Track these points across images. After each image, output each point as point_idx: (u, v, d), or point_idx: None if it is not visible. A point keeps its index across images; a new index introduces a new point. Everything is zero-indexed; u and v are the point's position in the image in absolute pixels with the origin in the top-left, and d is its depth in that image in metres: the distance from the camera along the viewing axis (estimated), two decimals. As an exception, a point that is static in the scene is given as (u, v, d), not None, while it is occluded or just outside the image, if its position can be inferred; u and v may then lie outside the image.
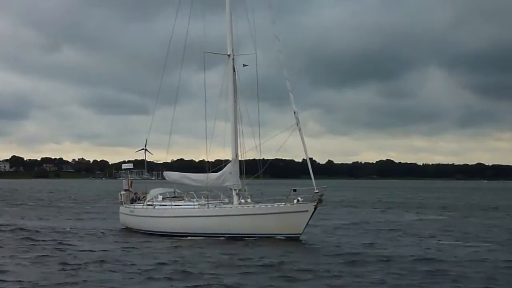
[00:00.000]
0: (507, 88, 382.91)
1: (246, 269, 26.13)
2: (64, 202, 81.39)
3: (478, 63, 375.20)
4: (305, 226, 35.51)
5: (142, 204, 41.71)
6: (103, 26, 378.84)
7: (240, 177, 39.59)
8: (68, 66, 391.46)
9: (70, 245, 33.37)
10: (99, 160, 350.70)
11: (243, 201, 38.41)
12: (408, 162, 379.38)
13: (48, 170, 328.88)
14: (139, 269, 25.72)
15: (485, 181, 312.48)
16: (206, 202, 38.70)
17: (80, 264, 26.74)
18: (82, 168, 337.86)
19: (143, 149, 45.04)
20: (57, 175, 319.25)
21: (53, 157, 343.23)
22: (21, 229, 41.12)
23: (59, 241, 34.78)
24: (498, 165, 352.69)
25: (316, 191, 35.17)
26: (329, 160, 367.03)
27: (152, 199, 41.36)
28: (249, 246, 33.17)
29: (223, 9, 39.88)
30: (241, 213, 36.80)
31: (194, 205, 38.87)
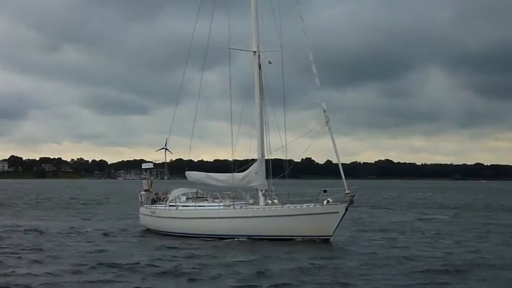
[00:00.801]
0: (508, 88, 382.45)
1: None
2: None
3: (479, 63, 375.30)
4: (336, 228, 34.50)
5: (164, 205, 40.63)
6: (104, 26, 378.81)
7: (266, 177, 38.49)
8: (68, 66, 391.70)
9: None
10: (98, 160, 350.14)
11: (269, 202, 37.37)
12: (407, 162, 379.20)
13: (46, 170, 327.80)
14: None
15: (484, 181, 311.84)
16: (231, 203, 37.66)
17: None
18: (81, 168, 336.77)
19: (163, 148, 43.90)
20: (56, 175, 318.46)
21: (51, 157, 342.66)
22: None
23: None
24: (497, 165, 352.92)
25: (347, 191, 34.20)
26: (328, 160, 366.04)
27: (174, 199, 40.30)
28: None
29: (243, 6, 38.95)
30: (269, 214, 35.79)
31: (219, 206, 37.79)
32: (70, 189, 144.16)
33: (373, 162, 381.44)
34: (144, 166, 44.12)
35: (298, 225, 34.74)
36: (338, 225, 34.45)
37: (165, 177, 43.91)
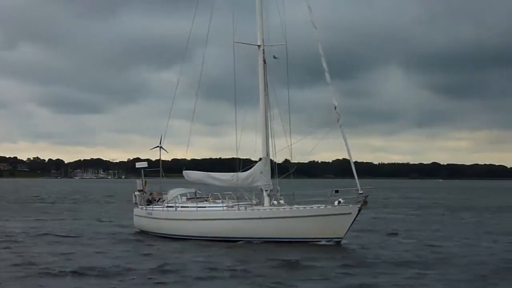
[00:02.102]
0: (464, 88, 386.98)
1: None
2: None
3: (436, 62, 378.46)
4: (348, 230, 33.09)
5: (161, 206, 38.77)
6: (61, 24, 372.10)
7: (271, 177, 36.95)
8: (24, 64, 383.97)
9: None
10: (54, 159, 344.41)
11: (275, 202, 35.78)
12: (365, 161, 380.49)
13: (2, 169, 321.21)
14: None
15: (440, 180, 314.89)
16: (235, 203, 36.02)
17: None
18: (37, 167, 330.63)
19: (158, 146, 41.92)
20: (12, 174, 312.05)
21: (7, 156, 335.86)
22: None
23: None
24: (453, 164, 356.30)
25: (361, 191, 32.81)
26: (286, 159, 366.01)
27: (172, 200, 38.46)
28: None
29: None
30: (276, 216, 34.20)
31: (222, 206, 36.07)
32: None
33: (330, 161, 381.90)
34: (138, 165, 41.99)
35: (308, 227, 33.28)
36: (350, 227, 33.03)
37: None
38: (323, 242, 33.01)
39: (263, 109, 36.84)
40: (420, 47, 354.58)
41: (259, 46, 37.04)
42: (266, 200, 36.34)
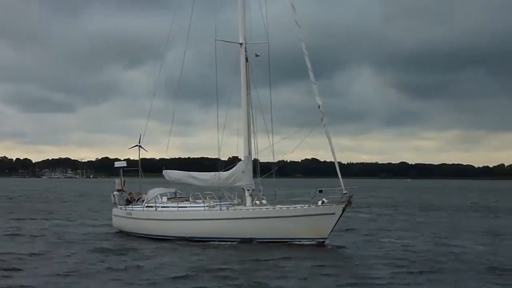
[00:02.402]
0: (433, 88, 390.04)
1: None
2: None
3: (405, 62, 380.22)
4: (331, 230, 32.81)
5: (141, 206, 38.14)
6: (30, 21, 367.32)
7: (253, 176, 36.56)
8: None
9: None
10: (22, 158, 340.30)
11: (258, 202, 35.37)
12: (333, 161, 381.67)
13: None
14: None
15: (408, 179, 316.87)
16: (216, 203, 35.56)
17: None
18: (4, 167, 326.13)
19: (137, 145, 41.22)
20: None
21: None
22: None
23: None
24: (421, 164, 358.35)
25: (345, 191, 32.56)
26: (255, 159, 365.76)
27: (151, 200, 37.86)
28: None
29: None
30: (259, 216, 33.82)
31: (203, 207, 35.56)
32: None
33: (299, 161, 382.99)
34: (116, 164, 41.23)
35: (291, 227, 32.97)
36: (334, 227, 32.77)
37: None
38: (306, 242, 32.65)
39: (245, 108, 36.40)
40: (390, 47, 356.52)
41: (241, 44, 36.59)
42: (248, 200, 35.97)
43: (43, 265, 26.36)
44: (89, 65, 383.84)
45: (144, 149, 41.14)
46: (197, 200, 37.17)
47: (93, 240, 35.57)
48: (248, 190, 36.14)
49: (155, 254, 30.26)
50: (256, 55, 36.39)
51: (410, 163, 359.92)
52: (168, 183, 40.05)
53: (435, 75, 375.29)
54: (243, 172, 36.30)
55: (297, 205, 33.61)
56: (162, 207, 36.89)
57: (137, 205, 38.66)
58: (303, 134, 35.56)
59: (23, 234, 37.73)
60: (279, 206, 34.08)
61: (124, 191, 40.51)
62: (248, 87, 36.45)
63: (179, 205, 36.26)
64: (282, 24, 36.42)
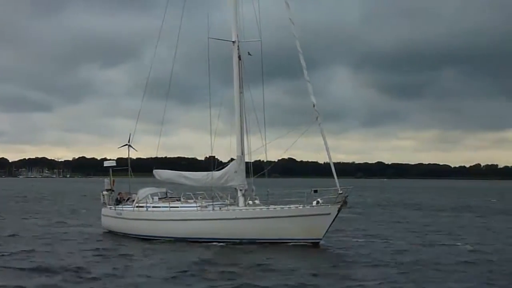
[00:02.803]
0: (410, 88, 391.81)
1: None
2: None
3: (383, 62, 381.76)
4: (327, 231, 32.47)
5: (131, 206, 37.56)
6: (6, 21, 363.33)
7: (246, 176, 36.13)
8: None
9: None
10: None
11: (250, 202, 34.94)
12: (310, 160, 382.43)
13: None
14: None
15: (385, 179, 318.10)
16: (208, 203, 35.10)
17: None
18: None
19: (126, 144, 40.58)
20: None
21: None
22: None
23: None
24: (398, 163, 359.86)
25: (340, 191, 32.23)
26: (232, 159, 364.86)
27: (142, 200, 37.29)
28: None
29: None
30: (253, 216, 33.40)
31: (196, 206, 35.05)
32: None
33: (276, 160, 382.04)
34: (106, 164, 40.55)
35: (285, 227, 32.55)
36: (329, 227, 32.43)
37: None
38: (301, 243, 32.28)
39: (238, 107, 35.96)
40: (368, 47, 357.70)
41: (233, 42, 36.12)
42: (241, 200, 35.50)
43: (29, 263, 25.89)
44: (66, 64, 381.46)
45: (134, 149, 40.65)
46: (188, 200, 36.67)
47: (81, 240, 35.08)
48: (241, 190, 35.67)
49: (145, 254, 29.91)
50: (249, 54, 35.93)
51: (386, 163, 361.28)
52: (159, 183, 39.46)
53: (413, 75, 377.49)
54: (235, 172, 35.86)
55: (292, 206, 33.19)
56: (153, 207, 36.31)
57: (127, 205, 38.07)
58: (297, 134, 35.17)
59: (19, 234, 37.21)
60: (273, 206, 33.66)
61: (113, 190, 39.84)
62: (241, 86, 35.98)
63: (170, 205, 35.68)
64: (272, 22, 35.83)
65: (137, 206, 37.04)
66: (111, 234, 38.06)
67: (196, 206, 35.02)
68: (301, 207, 32.69)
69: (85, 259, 27.65)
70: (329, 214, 31.99)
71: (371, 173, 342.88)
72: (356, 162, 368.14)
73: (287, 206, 33.24)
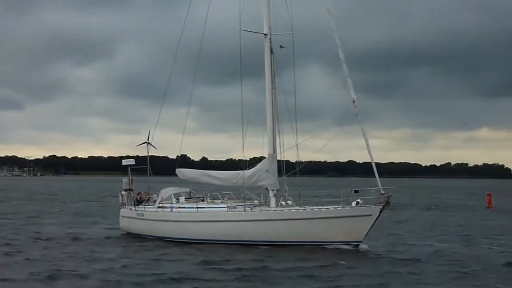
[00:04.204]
0: (382, 87, 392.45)
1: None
2: None
3: (355, 61, 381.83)
4: (367, 233, 30.95)
5: (153, 206, 35.69)
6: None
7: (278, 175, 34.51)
8: None
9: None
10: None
11: (283, 203, 33.27)
12: (282, 159, 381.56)
13: None
14: None
15: (357, 178, 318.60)
16: (238, 204, 33.43)
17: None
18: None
19: (145, 142, 38.61)
20: None
21: None
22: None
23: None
24: (369, 162, 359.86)
25: (383, 192, 30.76)
26: (203, 157, 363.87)
27: (165, 200, 35.42)
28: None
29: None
30: (288, 217, 31.74)
31: (225, 207, 33.32)
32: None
33: (248, 159, 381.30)
34: (124, 162, 38.54)
35: (323, 229, 30.98)
36: (370, 229, 30.91)
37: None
38: (339, 246, 30.75)
39: (270, 103, 34.32)
40: (344, 45, 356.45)
41: (265, 34, 34.48)
42: (273, 200, 33.82)
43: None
44: (38, 62, 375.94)
45: (154, 146, 38.67)
46: (215, 201, 34.92)
47: (102, 242, 33.59)
48: (272, 190, 33.99)
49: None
50: (281, 47, 34.38)
51: (358, 161, 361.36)
52: (182, 182, 37.60)
53: (386, 74, 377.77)
54: (267, 171, 34.14)
55: (330, 206, 31.67)
56: (178, 207, 34.46)
57: (148, 205, 36.21)
58: (331, 133, 33.78)
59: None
60: (310, 207, 32.07)
61: (132, 189, 37.86)
62: (273, 81, 34.32)
63: (198, 206, 33.86)
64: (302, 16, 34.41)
65: (159, 207, 35.13)
66: (131, 236, 36.12)
67: (226, 207, 33.26)
68: (340, 208, 31.14)
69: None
70: (370, 215, 30.55)
71: (342, 172, 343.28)
72: (328, 161, 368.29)
73: (325, 207, 31.69)
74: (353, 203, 31.13)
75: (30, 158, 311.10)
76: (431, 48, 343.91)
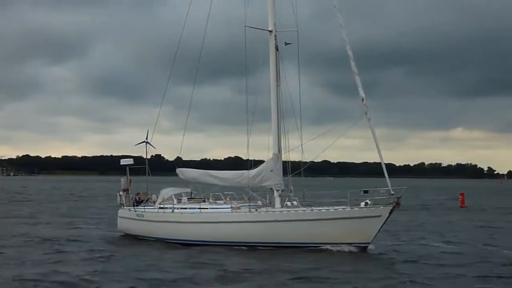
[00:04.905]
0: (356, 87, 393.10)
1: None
2: None
3: (330, 61, 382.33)
4: (376, 234, 30.28)
5: (153, 207, 34.76)
6: None
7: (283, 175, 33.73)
8: None
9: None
10: None
11: (289, 203, 32.50)
12: (256, 159, 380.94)
13: None
14: None
15: (331, 178, 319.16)
16: (242, 204, 32.65)
17: None
18: None
19: (144, 141, 37.65)
20: None
21: None
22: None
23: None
24: (343, 162, 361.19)
25: (393, 192, 30.09)
26: (178, 157, 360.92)
27: (166, 200, 34.49)
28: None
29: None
30: (295, 218, 30.96)
31: (228, 208, 32.48)
32: None
33: (222, 159, 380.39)
34: (123, 162, 37.51)
35: (331, 230, 30.25)
36: (379, 231, 30.25)
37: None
38: (347, 248, 30.05)
39: (275, 101, 33.55)
40: (315, 45, 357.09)
41: (270, 31, 33.70)
42: (278, 201, 33.01)
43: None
44: (11, 61, 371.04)
45: (152, 146, 37.78)
46: (217, 201, 34.06)
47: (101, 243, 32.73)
48: (277, 190, 33.18)
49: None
50: (286, 43, 33.64)
51: (332, 161, 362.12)
52: (183, 183, 36.63)
53: (361, 74, 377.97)
54: (271, 171, 33.33)
55: (338, 207, 30.92)
56: (181, 208, 33.56)
57: (148, 206, 35.28)
58: (337, 133, 33.13)
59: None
60: (317, 207, 31.33)
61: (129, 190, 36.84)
62: (278, 79, 33.56)
63: (201, 207, 32.97)
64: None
65: (160, 208, 34.20)
66: (130, 237, 35.17)
67: (230, 207, 32.42)
68: (349, 209, 30.42)
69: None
70: (379, 216, 29.86)
71: (317, 171, 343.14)
72: (303, 161, 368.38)
73: (333, 208, 30.94)
74: (362, 204, 30.42)
75: (3, 158, 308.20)
76: (407, 49, 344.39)
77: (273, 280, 23.03)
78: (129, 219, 35.62)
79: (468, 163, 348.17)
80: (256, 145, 34.82)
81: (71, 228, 39.96)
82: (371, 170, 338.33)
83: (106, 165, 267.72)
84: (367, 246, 30.25)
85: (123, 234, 36.07)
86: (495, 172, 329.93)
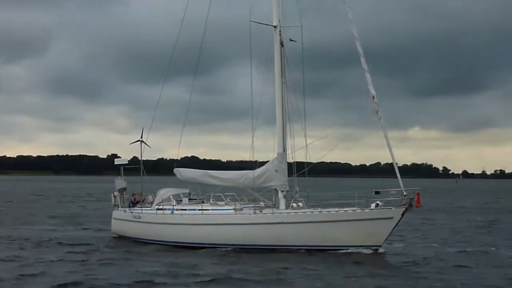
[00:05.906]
0: (317, 86, 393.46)
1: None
2: None
3: (291, 61, 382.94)
4: (387, 236, 29.35)
5: (149, 208, 33.33)
6: None
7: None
8: None
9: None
10: None
11: (294, 205, 31.39)
12: (213, 158, 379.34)
13: None
14: None
15: (289, 178, 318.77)
16: (244, 206, 31.52)
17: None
18: None
19: (138, 140, 36.23)
20: None
21: None
22: None
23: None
24: (299, 162, 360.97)
25: (405, 193, 29.18)
26: (134, 157, 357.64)
27: (164, 201, 33.07)
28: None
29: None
30: (302, 220, 29.92)
31: (231, 209, 31.24)
32: None
33: (179, 158, 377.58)
34: (117, 162, 36.03)
35: (340, 232, 29.27)
36: (390, 233, 29.33)
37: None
38: (357, 250, 29.08)
39: (280, 98, 32.44)
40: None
41: (275, 27, 32.58)
42: (282, 202, 31.88)
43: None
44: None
45: (147, 145, 36.34)
46: (218, 203, 32.74)
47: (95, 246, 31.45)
48: (282, 191, 32.03)
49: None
50: (291, 40, 32.58)
51: (289, 161, 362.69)
52: (179, 183, 35.29)
53: (321, 73, 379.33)
54: (276, 171, 32.16)
55: (347, 209, 29.87)
56: (181, 209, 32.17)
57: (145, 207, 33.84)
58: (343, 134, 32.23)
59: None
60: (325, 209, 30.26)
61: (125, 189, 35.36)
62: (283, 76, 32.43)
63: (203, 208, 31.63)
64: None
65: (157, 209, 32.76)
66: (125, 240, 33.66)
67: (232, 209, 31.16)
68: (359, 211, 29.40)
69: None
70: (391, 218, 28.96)
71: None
72: (260, 160, 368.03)
73: (342, 209, 29.88)
74: (372, 205, 29.46)
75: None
76: (363, 48, 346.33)
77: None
78: (125, 220, 34.13)
79: (423, 163, 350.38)
80: (256, 145, 33.59)
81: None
82: (327, 170, 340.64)
83: (61, 165, 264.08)
84: (378, 249, 29.31)
85: (116, 236, 34.54)
86: (450, 172, 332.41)
